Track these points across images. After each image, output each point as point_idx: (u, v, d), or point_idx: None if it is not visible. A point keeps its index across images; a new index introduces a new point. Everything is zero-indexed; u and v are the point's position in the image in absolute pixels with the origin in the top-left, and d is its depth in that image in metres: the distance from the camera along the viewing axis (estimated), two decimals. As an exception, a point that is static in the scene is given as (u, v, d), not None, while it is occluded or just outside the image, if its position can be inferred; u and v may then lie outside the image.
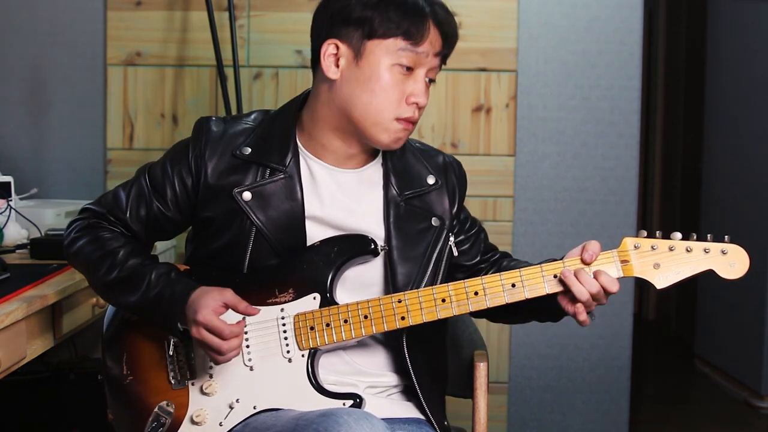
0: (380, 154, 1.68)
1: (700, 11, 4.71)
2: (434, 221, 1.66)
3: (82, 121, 2.86)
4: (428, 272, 1.62)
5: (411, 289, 1.57)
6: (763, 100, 3.94)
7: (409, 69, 1.55)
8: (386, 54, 1.53)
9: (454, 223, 1.70)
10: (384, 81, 1.54)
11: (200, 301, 1.50)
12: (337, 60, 1.56)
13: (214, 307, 1.49)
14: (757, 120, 4.01)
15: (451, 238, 1.68)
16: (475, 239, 1.74)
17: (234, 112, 2.66)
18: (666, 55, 5.58)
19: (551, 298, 1.54)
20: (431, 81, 1.60)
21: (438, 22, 1.56)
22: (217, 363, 1.54)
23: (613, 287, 1.49)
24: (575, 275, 1.49)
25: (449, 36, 1.59)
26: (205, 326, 1.48)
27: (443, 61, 1.61)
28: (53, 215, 2.45)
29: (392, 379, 1.65)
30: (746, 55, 4.11)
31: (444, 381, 1.75)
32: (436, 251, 1.64)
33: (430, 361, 1.67)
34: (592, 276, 1.49)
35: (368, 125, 1.56)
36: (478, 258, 1.73)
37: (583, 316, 1.50)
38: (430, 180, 1.68)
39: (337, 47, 1.56)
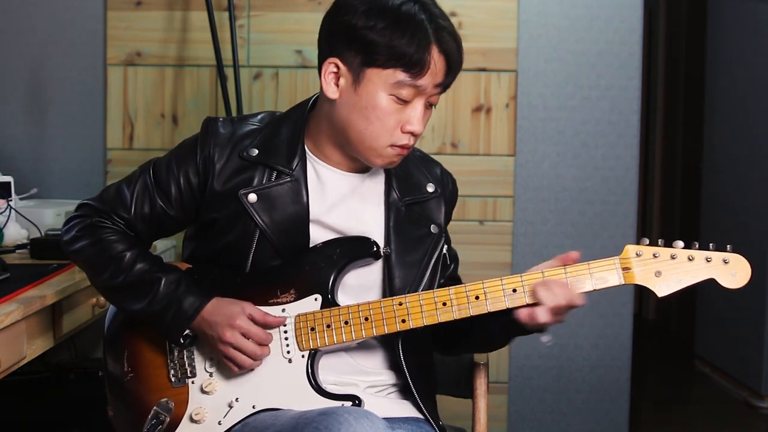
0: None
1: (700, 11, 4.71)
2: (433, 228, 1.67)
3: (82, 121, 2.86)
4: (425, 278, 1.63)
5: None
6: (763, 100, 3.94)
7: (406, 102, 1.53)
8: (384, 84, 1.50)
9: None
10: (380, 110, 1.52)
11: (231, 309, 1.53)
12: (337, 79, 1.54)
13: (246, 315, 1.53)
14: (757, 120, 4.00)
15: (445, 247, 1.69)
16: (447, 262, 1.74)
17: (234, 112, 2.66)
18: (666, 55, 5.58)
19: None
20: (431, 105, 1.58)
21: (444, 51, 1.51)
22: (243, 368, 1.54)
23: (579, 300, 1.50)
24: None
25: (453, 67, 1.54)
26: (242, 332, 1.52)
27: (444, 89, 1.58)
28: (53, 215, 2.45)
29: (389, 377, 1.65)
30: (746, 55, 4.11)
31: (434, 381, 1.74)
32: (434, 258, 1.65)
33: (423, 361, 1.67)
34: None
35: (362, 149, 1.56)
36: (443, 281, 1.71)
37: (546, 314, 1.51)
38: (430, 188, 1.69)
39: (338, 67, 1.54)
